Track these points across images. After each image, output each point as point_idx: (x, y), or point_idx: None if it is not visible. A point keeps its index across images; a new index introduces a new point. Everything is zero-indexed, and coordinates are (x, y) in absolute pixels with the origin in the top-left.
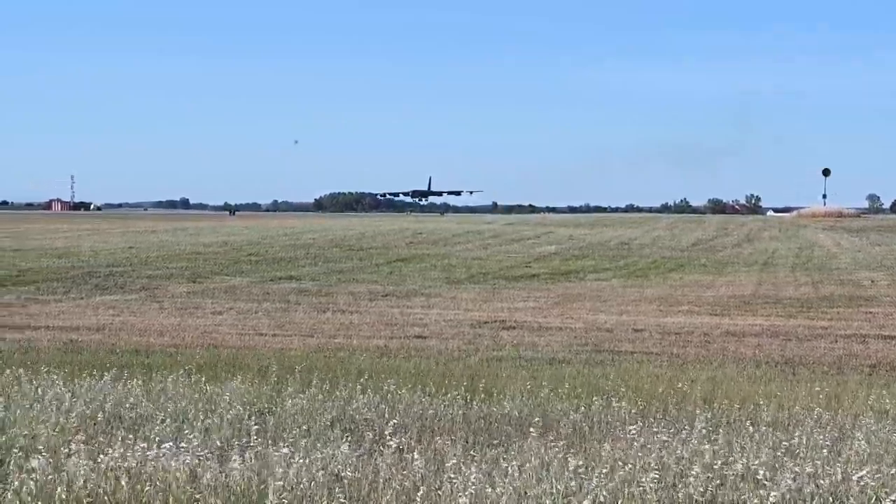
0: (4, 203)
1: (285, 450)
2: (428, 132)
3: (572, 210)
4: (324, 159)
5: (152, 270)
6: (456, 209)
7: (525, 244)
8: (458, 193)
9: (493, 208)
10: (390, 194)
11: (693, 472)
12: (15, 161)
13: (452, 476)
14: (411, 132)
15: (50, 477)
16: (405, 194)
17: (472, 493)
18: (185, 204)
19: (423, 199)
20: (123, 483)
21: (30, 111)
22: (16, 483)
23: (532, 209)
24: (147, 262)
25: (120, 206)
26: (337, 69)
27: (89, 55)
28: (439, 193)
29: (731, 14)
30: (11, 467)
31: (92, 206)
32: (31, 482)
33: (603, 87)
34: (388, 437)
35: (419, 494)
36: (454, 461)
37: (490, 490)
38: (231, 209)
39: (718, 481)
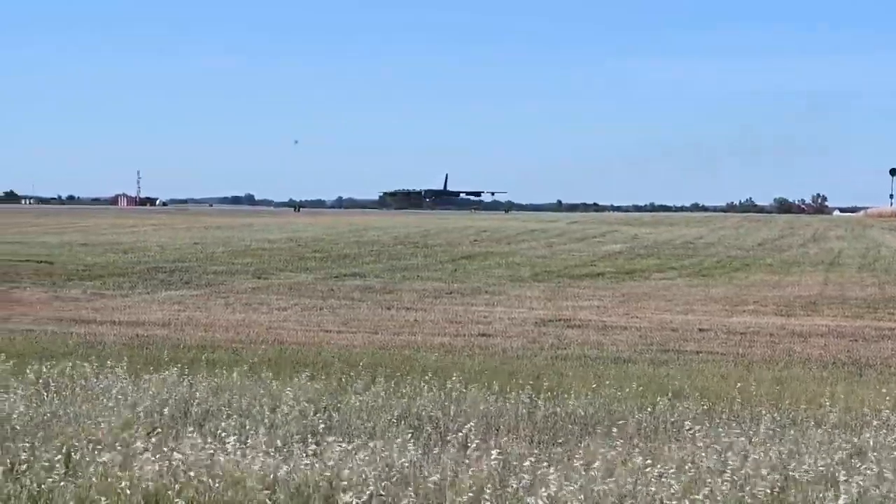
0: (71, 198)
1: (351, 447)
2: (442, 130)
3: (637, 209)
4: (388, 156)
5: (218, 266)
6: (520, 207)
7: (590, 243)
8: (477, 195)
9: (558, 206)
10: (403, 193)
11: (760, 473)
12: (82, 156)
13: (519, 474)
14: (427, 129)
15: (117, 471)
16: (416, 194)
17: (537, 492)
18: (250, 200)
19: (439, 200)
20: (190, 478)
21: (97, 107)
22: (83, 477)
23: (597, 208)
24: (213, 257)
25: (185, 201)
26: (395, 67)
27: (154, 53)
28: (456, 194)
29: (787, 9)
30: (79, 461)
31: (158, 202)
32: (99, 476)
33: (656, 83)
34: (454, 435)
35: (485, 492)
36: (520, 459)
37: (556, 489)
38: (296, 205)
39: (786, 482)
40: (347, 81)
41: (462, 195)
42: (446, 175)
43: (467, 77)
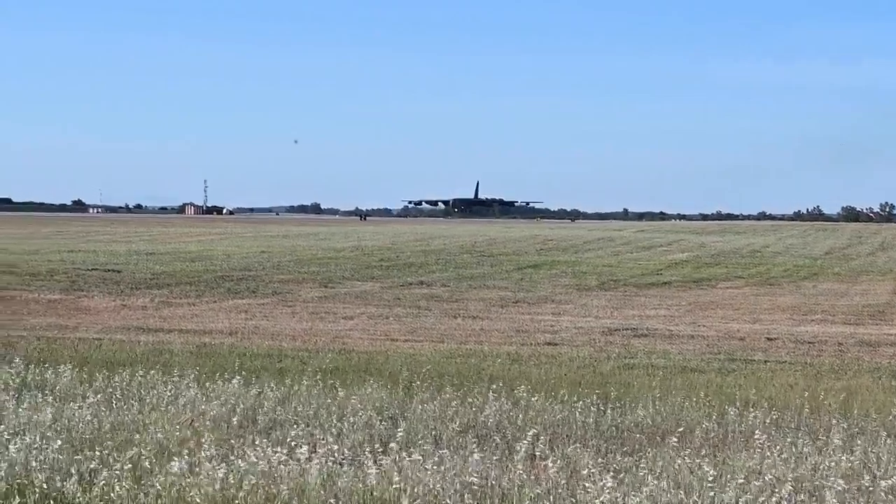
0: (139, 207)
1: (417, 456)
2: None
3: (703, 217)
4: (455, 164)
5: (284, 275)
6: (586, 215)
7: (656, 251)
8: (510, 204)
9: (625, 215)
10: (427, 202)
11: (828, 484)
12: (150, 165)
13: (586, 484)
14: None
15: (184, 480)
16: (444, 203)
17: (605, 501)
18: (316, 209)
19: (468, 210)
20: (256, 487)
21: (164, 116)
22: (152, 486)
23: (663, 216)
24: (279, 266)
25: (252, 210)
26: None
27: (221, 64)
28: (489, 203)
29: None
30: (147, 470)
31: (225, 211)
32: (167, 485)
33: (722, 89)
34: (521, 445)
35: (552, 502)
36: (587, 469)
37: (623, 498)
38: (362, 214)
39: (857, 493)
40: (419, 89)
41: (496, 204)
42: (477, 182)
43: (529, 80)
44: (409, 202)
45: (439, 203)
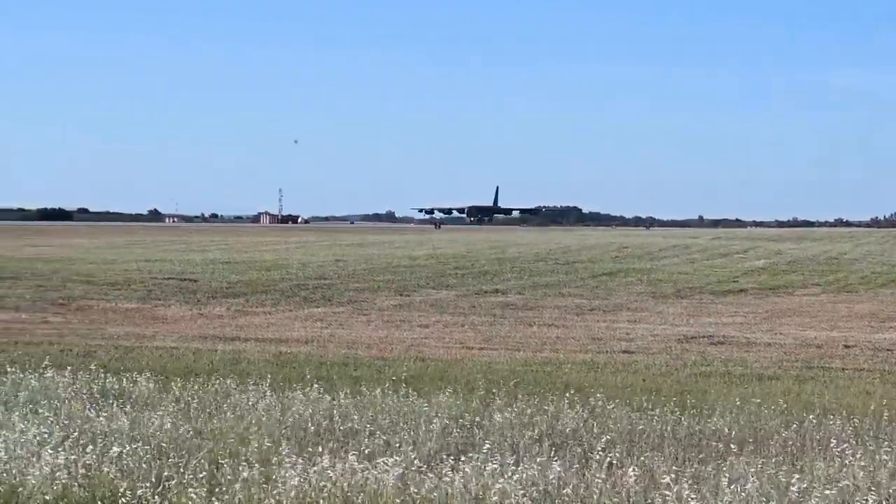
0: (214, 216)
1: (495, 464)
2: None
3: (780, 224)
4: (534, 172)
5: (359, 283)
6: (661, 223)
7: (732, 259)
8: (534, 212)
9: (700, 222)
10: (441, 211)
11: None
12: (225, 175)
13: (664, 492)
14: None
15: (260, 487)
16: (459, 211)
17: None
18: (390, 217)
19: (487, 218)
20: (333, 494)
21: (239, 126)
22: (228, 493)
23: (739, 223)
24: (354, 274)
25: (326, 218)
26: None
27: (298, 75)
28: (507, 211)
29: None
30: (224, 476)
31: (300, 219)
32: (243, 491)
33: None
34: (598, 453)
35: None
36: (665, 477)
37: None
38: (437, 222)
39: None
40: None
41: (515, 212)
42: (497, 188)
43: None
44: (422, 210)
45: (453, 211)
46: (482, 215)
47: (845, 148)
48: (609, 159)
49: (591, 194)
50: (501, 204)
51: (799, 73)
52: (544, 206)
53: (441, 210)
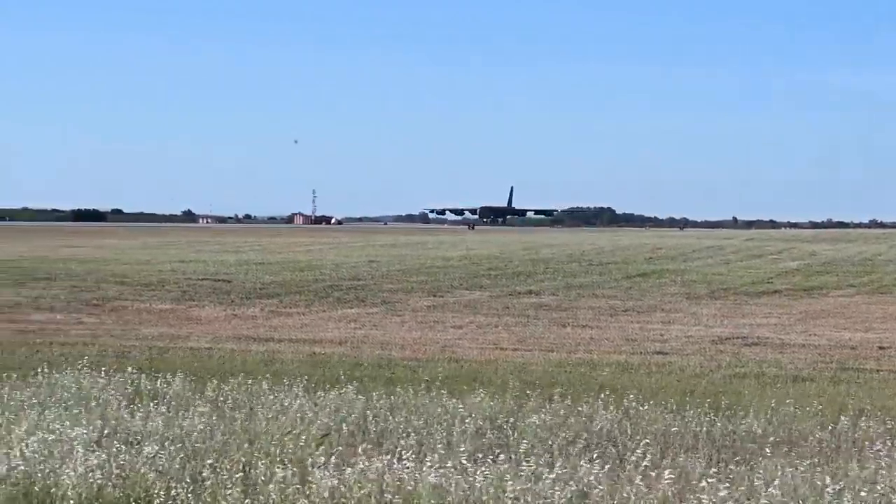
0: (248, 217)
1: (529, 465)
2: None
3: (814, 225)
4: (561, 172)
5: (393, 284)
6: (695, 224)
7: (766, 259)
8: (549, 213)
9: (734, 223)
10: (452, 211)
11: None
12: (259, 176)
13: (699, 493)
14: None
15: (295, 487)
16: (471, 211)
17: None
18: (423, 218)
19: (500, 219)
20: (366, 495)
21: (272, 127)
22: (262, 494)
23: (773, 224)
24: (387, 275)
25: (360, 219)
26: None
27: (327, 71)
28: (522, 212)
29: None
30: (257, 478)
31: (333, 220)
32: (277, 492)
33: (831, 94)
34: (632, 454)
35: None
36: (700, 478)
37: None
38: (470, 223)
39: None
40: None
41: (529, 213)
42: (511, 188)
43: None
44: (432, 211)
45: (465, 212)
46: (495, 216)
47: (880, 150)
48: (640, 160)
49: (622, 195)
50: (516, 204)
51: (799, 73)
52: (578, 207)
53: (452, 210)
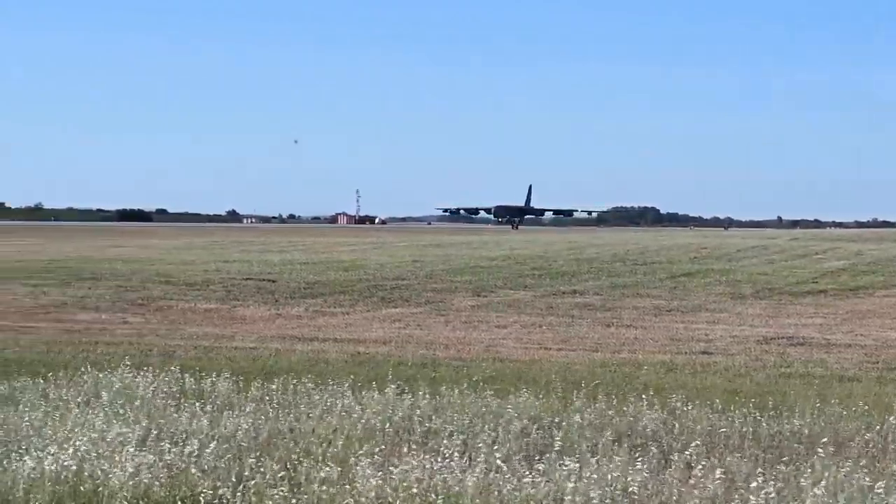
0: (292, 216)
1: (574, 464)
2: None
3: (859, 224)
4: (608, 172)
5: (437, 284)
6: (739, 223)
7: (812, 259)
8: (568, 213)
9: (779, 223)
10: (466, 210)
11: None
12: (302, 175)
13: (744, 493)
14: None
15: (339, 487)
16: (486, 210)
17: None
18: (467, 218)
19: (517, 219)
20: (411, 494)
21: (316, 126)
22: (307, 493)
23: (817, 224)
24: (432, 275)
25: (404, 219)
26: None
27: (328, 71)
28: (540, 212)
29: None
30: (303, 476)
31: (377, 220)
32: (321, 492)
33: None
34: (677, 454)
35: None
36: (745, 478)
37: None
38: (514, 223)
39: None
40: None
41: (549, 213)
42: (530, 186)
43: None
44: (446, 210)
45: (480, 211)
46: (511, 216)
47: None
48: (689, 161)
49: (667, 195)
50: (534, 204)
51: (799, 73)
52: (622, 206)
53: (466, 209)
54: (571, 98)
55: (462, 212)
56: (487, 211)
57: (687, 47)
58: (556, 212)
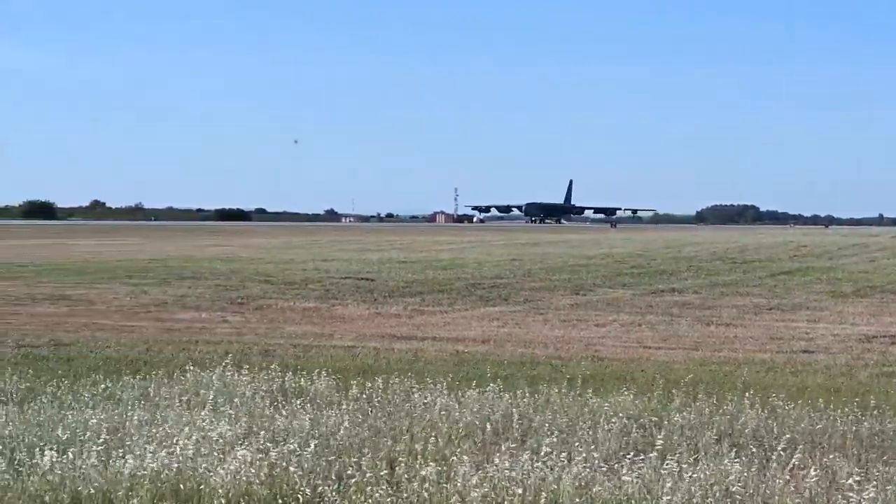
0: (390, 216)
1: (674, 464)
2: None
3: None
4: (705, 170)
5: (535, 282)
6: (839, 221)
7: None
8: (611, 212)
9: (879, 220)
10: (498, 208)
11: None
12: (401, 175)
13: (847, 493)
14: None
15: (439, 486)
16: (518, 208)
17: None
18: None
19: (552, 219)
20: (511, 493)
21: (415, 127)
22: (407, 492)
23: None
24: (530, 274)
25: (501, 218)
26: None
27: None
28: (580, 210)
29: None
30: (402, 475)
31: (475, 219)
32: (422, 490)
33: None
34: (778, 453)
35: None
36: (848, 478)
37: None
38: (612, 222)
39: None
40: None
41: (589, 211)
42: (570, 181)
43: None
44: (476, 208)
45: (512, 209)
46: (546, 214)
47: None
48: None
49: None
50: (575, 201)
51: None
52: (721, 204)
53: (498, 207)
54: (571, 98)
55: (494, 210)
56: (519, 209)
57: (687, 47)
58: (597, 210)
